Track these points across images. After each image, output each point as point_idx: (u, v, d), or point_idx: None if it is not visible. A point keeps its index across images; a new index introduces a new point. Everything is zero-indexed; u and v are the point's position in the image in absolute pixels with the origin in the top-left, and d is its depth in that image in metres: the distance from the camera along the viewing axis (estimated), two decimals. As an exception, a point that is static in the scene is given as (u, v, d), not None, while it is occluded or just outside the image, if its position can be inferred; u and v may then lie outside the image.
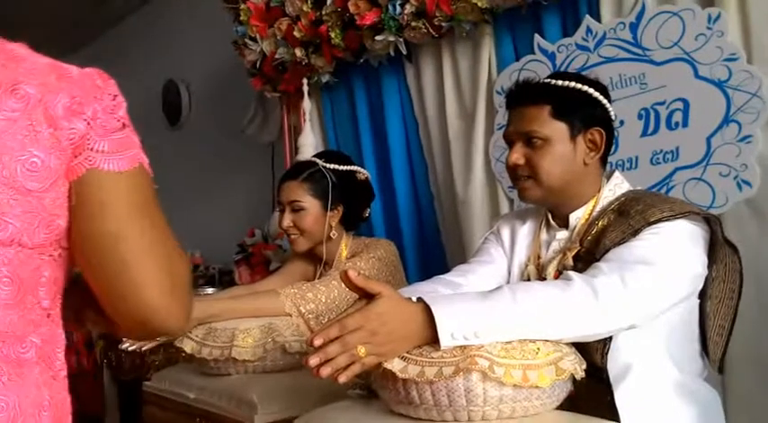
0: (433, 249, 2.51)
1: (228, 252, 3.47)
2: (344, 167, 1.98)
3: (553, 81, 1.41)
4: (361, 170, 2.02)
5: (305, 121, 2.78)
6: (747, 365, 1.62)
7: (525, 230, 1.53)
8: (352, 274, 1.11)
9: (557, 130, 1.39)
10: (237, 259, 2.72)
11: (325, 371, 1.06)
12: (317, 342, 1.07)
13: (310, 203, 1.94)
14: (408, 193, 2.57)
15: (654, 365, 1.30)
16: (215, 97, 4.30)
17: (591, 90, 1.39)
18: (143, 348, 1.72)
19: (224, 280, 3.67)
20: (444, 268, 2.42)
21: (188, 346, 1.72)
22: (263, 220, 3.19)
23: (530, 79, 1.45)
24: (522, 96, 1.43)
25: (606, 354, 1.24)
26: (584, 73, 1.54)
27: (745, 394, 1.63)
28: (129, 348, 1.71)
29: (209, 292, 2.70)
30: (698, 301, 1.34)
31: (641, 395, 1.26)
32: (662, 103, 1.79)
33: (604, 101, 1.41)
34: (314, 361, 1.06)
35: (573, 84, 1.39)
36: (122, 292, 0.77)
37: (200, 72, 4.41)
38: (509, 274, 1.52)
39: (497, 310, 1.11)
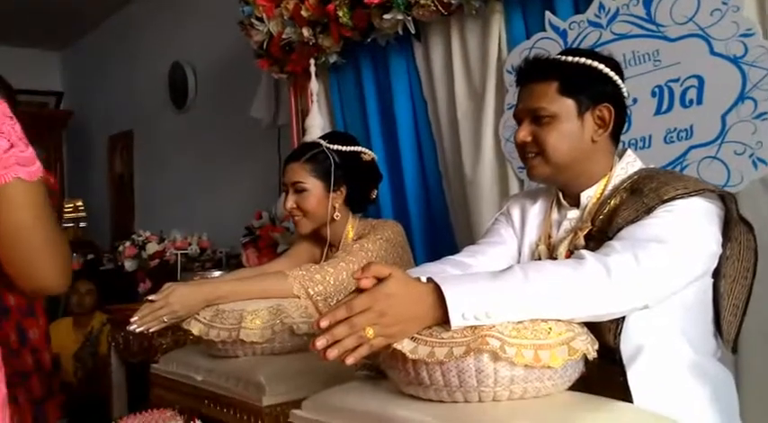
0: (442, 230, 2.49)
1: (235, 235, 3.46)
2: (348, 148, 1.96)
3: (562, 57, 1.39)
4: (367, 151, 1.99)
5: (312, 102, 2.75)
6: (761, 345, 1.59)
7: (536, 210, 1.51)
8: (366, 283, 1.09)
9: (564, 106, 1.36)
10: (245, 242, 2.71)
11: (333, 353, 1.04)
12: (324, 323, 1.05)
13: (313, 184, 1.92)
14: (416, 173, 2.55)
15: (667, 345, 1.28)
16: (221, 80, 4.29)
17: (601, 66, 1.36)
18: (150, 330, 1.71)
19: (231, 263, 3.67)
20: (452, 249, 2.40)
21: (196, 328, 1.71)
22: (269, 203, 3.17)
23: (539, 55, 1.43)
24: (531, 73, 1.41)
25: (619, 334, 1.22)
26: (597, 50, 1.50)
27: (759, 374, 1.60)
28: (137, 330, 1.70)
29: (216, 275, 2.69)
30: (711, 280, 1.32)
31: (654, 375, 1.24)
32: (676, 81, 1.75)
33: (615, 77, 1.38)
34: (321, 343, 1.05)
35: (582, 60, 1.36)
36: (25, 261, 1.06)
37: (207, 54, 4.39)
38: (519, 254, 1.50)
39: (509, 290, 1.09)
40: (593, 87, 1.36)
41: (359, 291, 1.09)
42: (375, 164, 2.03)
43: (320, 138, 2.03)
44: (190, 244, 3.84)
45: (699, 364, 1.29)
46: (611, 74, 1.37)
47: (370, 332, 1.06)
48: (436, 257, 1.52)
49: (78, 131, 6.19)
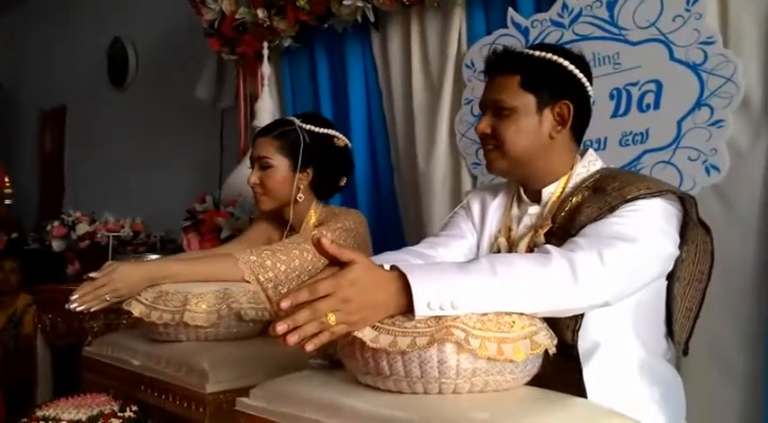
0: (390, 222, 2.47)
1: (171, 219, 3.36)
2: (321, 130, 1.91)
3: (528, 51, 1.38)
4: (340, 136, 1.94)
5: (263, 85, 2.69)
6: (704, 349, 1.63)
7: (496, 204, 1.50)
8: (325, 241, 1.06)
9: (524, 100, 1.36)
10: (186, 226, 2.62)
11: (293, 338, 1.00)
12: (285, 304, 1.01)
13: (279, 161, 1.86)
14: (367, 164, 2.53)
15: (621, 344, 1.29)
16: (164, 58, 4.16)
17: (566, 63, 1.36)
18: (91, 309, 1.62)
19: (167, 248, 3.56)
20: (401, 241, 2.40)
21: (137, 310, 1.63)
22: (210, 187, 3.09)
23: (508, 48, 1.42)
24: (497, 65, 1.40)
25: (577, 331, 1.22)
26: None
27: (700, 378, 1.64)
28: (77, 309, 1.61)
29: (153, 258, 2.59)
30: (665, 282, 1.34)
31: (608, 372, 1.25)
32: (635, 84, 1.78)
33: (580, 75, 1.38)
34: (281, 328, 1.00)
35: (548, 55, 1.36)
36: None
37: (149, 31, 4.26)
38: (478, 248, 1.49)
39: (476, 282, 1.07)
40: (555, 83, 1.36)
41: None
42: (348, 151, 1.97)
43: (295, 116, 1.97)
44: (122, 226, 3.71)
45: (650, 365, 1.31)
46: (576, 71, 1.37)
47: (331, 319, 1.02)
48: (383, 250, 1.49)
49: (6, 104, 5.92)
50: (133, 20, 4.39)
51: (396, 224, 2.46)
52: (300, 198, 1.89)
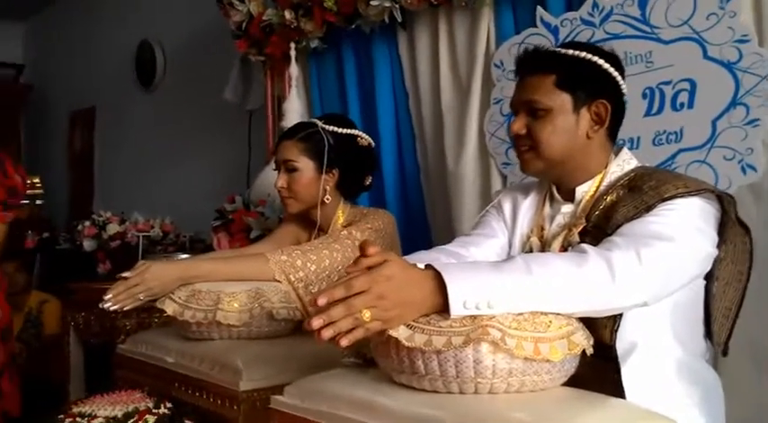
0: (418, 223, 2.47)
1: (200, 220, 3.39)
2: (344, 131, 1.91)
3: (562, 50, 1.37)
4: (364, 136, 1.94)
5: (290, 86, 2.70)
6: (743, 350, 1.60)
7: (528, 203, 1.49)
8: (372, 250, 1.06)
9: (560, 100, 1.35)
10: (216, 226, 2.64)
11: (327, 333, 1.01)
12: (321, 301, 1.01)
13: (304, 164, 1.87)
14: (395, 165, 2.52)
15: (659, 344, 1.28)
16: (191, 60, 4.19)
17: (600, 61, 1.35)
18: (124, 308, 1.64)
19: (196, 247, 3.59)
20: (428, 243, 2.40)
21: (170, 308, 1.65)
22: (238, 187, 3.11)
23: (539, 47, 1.41)
24: (530, 64, 1.39)
25: (616, 330, 1.21)
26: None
27: (739, 379, 1.61)
28: (111, 308, 1.63)
29: (183, 257, 2.62)
30: (704, 282, 1.32)
31: (646, 373, 1.24)
32: (668, 83, 1.76)
33: (615, 73, 1.37)
34: (317, 323, 1.01)
35: (582, 54, 1.35)
36: None
37: (177, 33, 4.29)
38: (510, 247, 1.48)
39: (512, 281, 1.07)
40: (591, 82, 1.35)
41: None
42: (372, 150, 1.98)
43: (317, 118, 1.98)
44: (152, 227, 3.74)
45: (689, 365, 1.29)
46: (611, 70, 1.35)
47: (366, 315, 1.02)
48: (411, 251, 1.49)
49: (38, 106, 6.00)
50: (161, 22, 4.43)
51: (423, 225, 2.45)
52: (327, 199, 1.89)
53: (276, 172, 1.92)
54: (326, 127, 1.89)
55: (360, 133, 1.94)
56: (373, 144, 1.99)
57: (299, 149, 1.87)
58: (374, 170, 2.00)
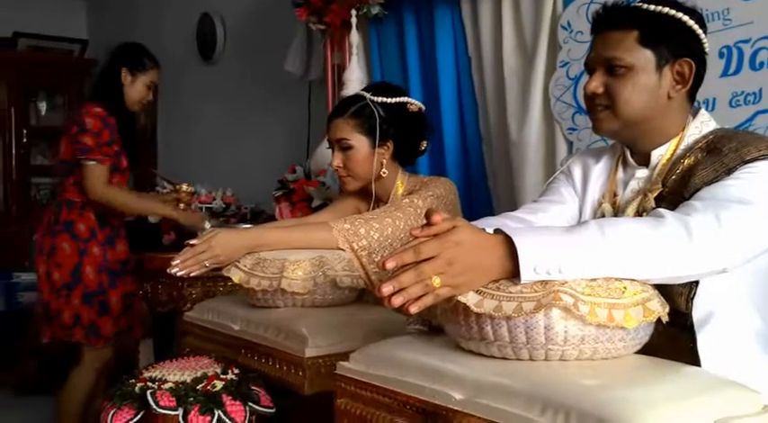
0: (479, 192, 2.43)
1: (261, 191, 3.41)
2: (393, 100, 1.88)
3: (644, 5, 1.31)
4: (413, 101, 1.92)
5: (351, 55, 2.68)
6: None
7: (599, 169, 1.44)
8: (437, 218, 1.04)
9: (642, 58, 1.29)
10: (278, 196, 2.66)
11: (398, 300, 1.00)
12: (390, 265, 1.00)
13: (358, 141, 1.86)
14: (456, 134, 2.48)
15: (736, 313, 1.22)
16: (251, 32, 4.20)
17: (685, 17, 1.29)
18: (191, 274, 1.67)
19: (257, 219, 3.62)
20: (490, 211, 2.36)
21: (236, 276, 1.67)
22: (299, 158, 3.12)
23: (618, 2, 1.35)
24: (609, 20, 1.33)
25: (692, 298, 1.16)
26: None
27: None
28: (178, 274, 1.66)
29: (247, 227, 2.65)
30: (785, 248, 1.26)
31: (723, 342, 1.19)
32: (746, 41, 1.67)
33: (699, 31, 1.30)
34: (387, 289, 1.00)
35: (666, 9, 1.29)
36: None
37: (237, 5, 4.30)
38: (580, 214, 1.44)
39: (584, 245, 1.03)
40: (676, 40, 1.28)
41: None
42: (422, 114, 1.95)
43: (363, 90, 1.96)
44: (214, 199, 3.79)
45: (766, 334, 1.24)
46: (695, 27, 1.29)
47: (436, 281, 1.01)
48: (473, 220, 1.46)
49: (101, 81, 6.11)
50: (221, -6, 4.45)
51: (485, 194, 2.42)
52: (384, 173, 1.88)
53: (330, 150, 1.90)
54: (375, 99, 1.86)
55: (409, 99, 1.91)
56: (423, 108, 1.95)
57: (351, 126, 1.86)
58: (428, 134, 1.97)
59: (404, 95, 1.92)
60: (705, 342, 1.17)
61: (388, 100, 1.87)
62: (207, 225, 2.86)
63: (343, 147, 1.87)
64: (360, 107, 1.87)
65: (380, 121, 1.84)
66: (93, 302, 2.68)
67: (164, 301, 2.64)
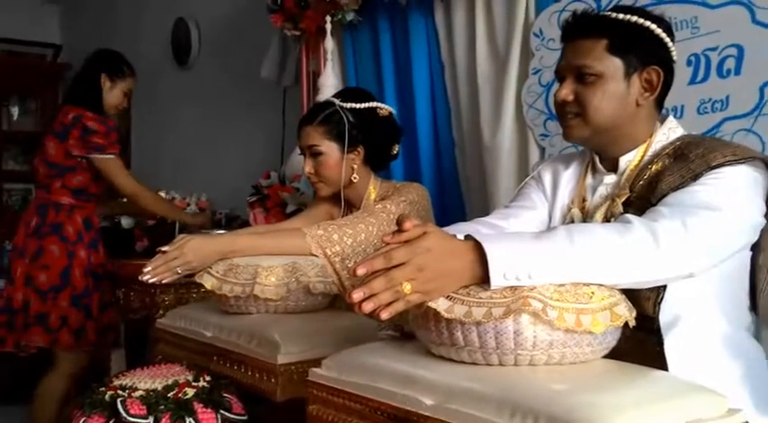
0: (452, 196, 2.45)
1: (235, 196, 3.40)
2: (362, 105, 1.89)
3: (613, 14, 1.33)
4: (383, 106, 1.92)
5: (326, 61, 2.68)
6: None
7: (569, 175, 1.46)
8: (408, 225, 1.04)
9: (611, 66, 1.31)
10: (252, 201, 2.65)
11: (368, 306, 1.01)
12: (361, 271, 1.01)
13: (328, 147, 1.86)
14: (430, 138, 2.49)
15: (703, 317, 1.25)
16: (226, 37, 4.19)
17: (653, 26, 1.31)
18: (163, 281, 1.66)
19: (232, 224, 3.61)
20: (462, 216, 2.38)
21: (208, 283, 1.66)
22: (273, 164, 3.11)
23: (588, 11, 1.37)
24: (579, 28, 1.34)
25: (659, 302, 1.18)
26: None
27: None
28: (150, 281, 1.65)
29: (220, 233, 2.63)
30: (750, 252, 1.28)
31: (689, 346, 1.21)
32: (714, 49, 1.70)
33: (667, 39, 1.32)
34: (357, 296, 1.00)
35: (634, 18, 1.31)
36: None
37: (212, 11, 4.29)
38: (550, 219, 1.45)
39: (553, 251, 1.04)
40: (644, 48, 1.30)
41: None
42: (393, 118, 1.95)
43: (333, 96, 1.96)
44: (188, 204, 3.77)
45: (733, 338, 1.26)
46: (663, 35, 1.31)
47: (407, 287, 1.01)
48: (446, 225, 1.47)
49: (75, 85, 6.05)
50: (196, 0, 4.43)
51: (458, 199, 2.43)
52: (355, 178, 1.89)
53: (302, 157, 1.91)
54: (344, 105, 1.87)
55: (379, 104, 1.92)
56: (394, 112, 1.96)
57: (321, 133, 1.86)
58: (399, 138, 1.98)
59: (373, 100, 1.93)
60: (672, 346, 1.19)
61: (357, 105, 1.88)
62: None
63: (314, 153, 1.87)
64: (329, 114, 1.88)
65: (349, 126, 1.85)
66: (80, 306, 2.69)
67: (136, 307, 2.61)
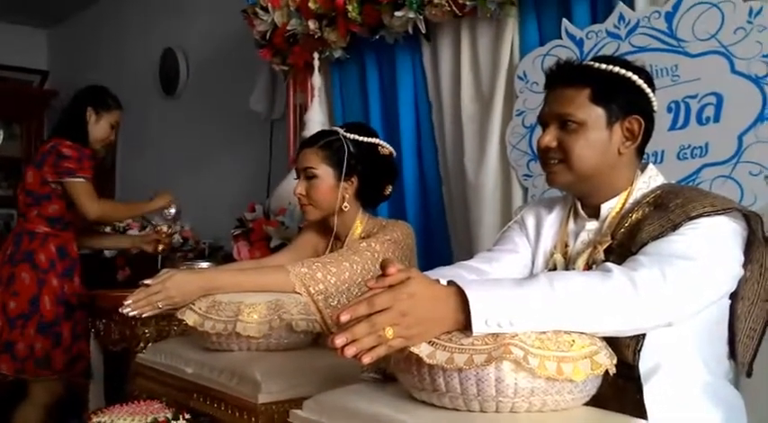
0: (438, 234, 2.46)
1: (220, 227, 3.40)
2: (365, 139, 1.91)
3: (596, 64, 1.36)
4: (385, 145, 1.94)
5: (313, 96, 2.71)
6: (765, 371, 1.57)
7: (552, 219, 1.48)
8: (392, 270, 1.05)
9: (593, 114, 1.33)
10: (236, 234, 2.64)
11: (350, 351, 1.01)
12: (344, 318, 1.01)
13: (324, 171, 1.87)
14: (416, 176, 2.52)
15: (682, 365, 1.25)
16: (214, 69, 4.21)
17: (634, 76, 1.34)
18: (143, 315, 1.65)
19: (216, 255, 3.60)
20: (448, 254, 2.39)
21: (190, 319, 1.65)
22: (258, 196, 3.12)
23: (571, 60, 1.40)
24: (562, 77, 1.37)
25: (639, 350, 1.19)
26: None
27: (764, 399, 1.58)
28: (130, 314, 1.64)
29: (204, 266, 2.63)
30: (729, 301, 1.30)
31: (669, 394, 1.22)
32: (694, 97, 1.74)
33: (648, 89, 1.35)
34: (340, 341, 1.01)
35: (616, 69, 1.34)
36: None
37: (200, 42, 4.32)
38: (533, 264, 1.46)
39: (535, 299, 1.05)
40: (626, 98, 1.33)
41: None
42: (392, 159, 1.97)
43: (340, 126, 1.99)
44: (173, 233, 3.75)
45: (712, 386, 1.27)
46: (644, 86, 1.34)
47: (389, 332, 1.02)
48: (431, 262, 1.48)
49: (62, 112, 6.05)
50: (185, 31, 4.45)
51: (444, 236, 2.44)
52: (346, 207, 1.89)
53: (295, 181, 1.92)
54: (348, 135, 1.89)
55: (381, 142, 1.94)
56: (394, 153, 1.99)
57: (320, 157, 1.88)
58: (394, 179, 2.00)
59: (376, 137, 1.95)
60: (651, 394, 1.19)
61: (360, 138, 1.90)
62: (172, 210, 3.04)
63: (309, 176, 1.88)
64: (331, 140, 1.89)
65: (349, 155, 1.87)
66: (48, 333, 2.69)
67: (116, 339, 2.59)
